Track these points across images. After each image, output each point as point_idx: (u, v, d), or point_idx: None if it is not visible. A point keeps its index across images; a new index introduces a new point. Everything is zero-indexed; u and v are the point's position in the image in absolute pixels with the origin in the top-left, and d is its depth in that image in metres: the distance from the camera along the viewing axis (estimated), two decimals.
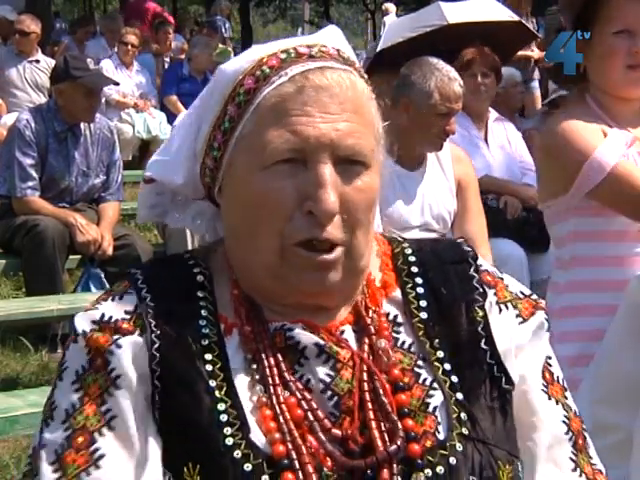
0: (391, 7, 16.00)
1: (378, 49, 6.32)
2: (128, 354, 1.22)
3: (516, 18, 6.73)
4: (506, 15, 6.71)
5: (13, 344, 5.36)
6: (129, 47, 9.71)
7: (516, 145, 5.46)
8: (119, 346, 1.22)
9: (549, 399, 1.34)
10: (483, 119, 5.33)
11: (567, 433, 1.34)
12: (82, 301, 4.82)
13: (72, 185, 5.52)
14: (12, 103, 8.71)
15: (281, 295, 1.26)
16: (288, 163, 1.21)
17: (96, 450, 1.18)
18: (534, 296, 1.39)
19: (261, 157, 1.21)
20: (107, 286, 5.28)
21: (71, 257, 5.48)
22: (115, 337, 1.22)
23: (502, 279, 1.38)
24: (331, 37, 1.30)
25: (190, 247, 5.60)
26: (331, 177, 1.20)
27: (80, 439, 1.19)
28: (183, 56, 10.70)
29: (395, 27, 6.88)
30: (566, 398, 1.37)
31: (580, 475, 1.33)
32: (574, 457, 1.33)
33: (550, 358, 1.37)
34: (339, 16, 39.86)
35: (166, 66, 11.11)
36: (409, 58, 4.01)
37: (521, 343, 1.34)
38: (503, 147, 5.39)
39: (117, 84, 7.02)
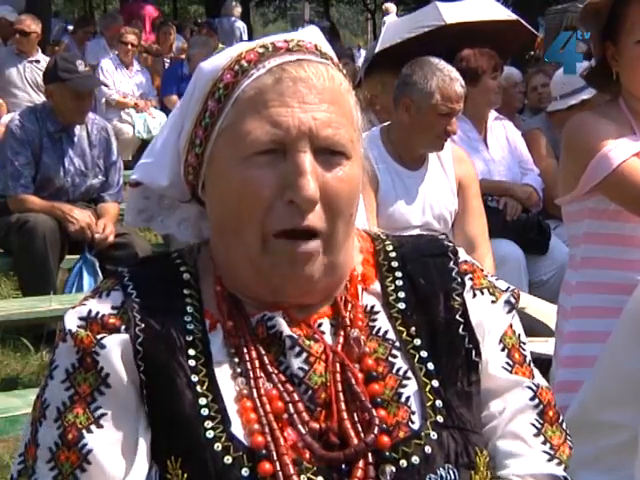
0: (391, 7, 15.99)
1: (376, 50, 6.32)
2: (115, 352, 1.23)
3: (514, 17, 6.72)
4: (504, 14, 6.71)
5: (13, 344, 5.36)
6: (129, 47, 9.70)
7: (515, 144, 5.46)
8: (103, 346, 1.23)
9: (510, 374, 1.33)
10: (483, 121, 5.33)
11: (533, 399, 1.32)
12: None
13: (68, 185, 5.52)
14: (12, 103, 8.70)
15: (263, 292, 1.28)
16: (268, 154, 1.23)
17: (84, 446, 1.20)
18: (511, 287, 1.39)
19: (241, 148, 1.23)
20: (100, 275, 5.29)
21: (68, 257, 5.47)
22: (99, 336, 1.24)
23: (481, 269, 1.40)
24: (310, 35, 1.33)
25: None
26: (311, 165, 1.22)
27: (70, 436, 1.21)
28: (183, 56, 10.69)
29: (393, 28, 6.87)
30: (534, 376, 1.35)
31: (544, 443, 1.30)
32: (538, 425, 1.31)
33: (524, 343, 1.37)
34: (339, 16, 39.87)
35: (166, 66, 11.11)
36: (407, 59, 4.01)
37: (489, 323, 1.34)
38: (503, 148, 5.39)
39: (106, 85, 7.00)
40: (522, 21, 6.70)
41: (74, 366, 1.24)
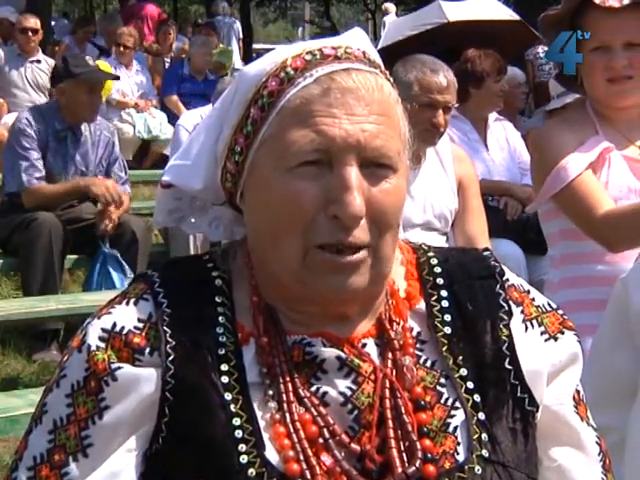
0: (391, 7, 16.02)
1: (379, 47, 6.33)
2: (125, 388, 1.18)
3: (516, 17, 6.72)
4: (506, 14, 6.71)
5: (13, 344, 5.36)
6: (124, 49, 9.68)
7: (515, 145, 5.47)
8: (115, 378, 1.18)
9: (581, 421, 1.32)
10: (483, 123, 5.34)
11: (599, 454, 1.33)
12: (82, 301, 4.83)
13: None
14: (13, 103, 8.71)
15: (304, 301, 1.22)
16: (313, 165, 1.17)
17: (66, 474, 1.18)
18: (560, 311, 1.35)
19: (285, 158, 1.18)
20: (126, 267, 5.31)
21: (69, 256, 5.48)
22: (114, 366, 1.19)
23: (528, 293, 1.34)
24: (356, 39, 1.27)
25: (192, 249, 5.61)
26: (357, 180, 1.17)
27: (57, 457, 1.19)
28: (184, 56, 10.70)
29: (396, 26, 6.88)
30: (589, 418, 1.35)
31: None
32: (605, 478, 1.33)
33: (578, 384, 1.35)
34: (339, 16, 39.87)
35: (167, 66, 11.11)
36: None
37: (556, 365, 1.30)
38: (503, 149, 5.40)
39: (118, 78, 7.09)
40: (524, 22, 6.70)
41: (79, 384, 1.20)
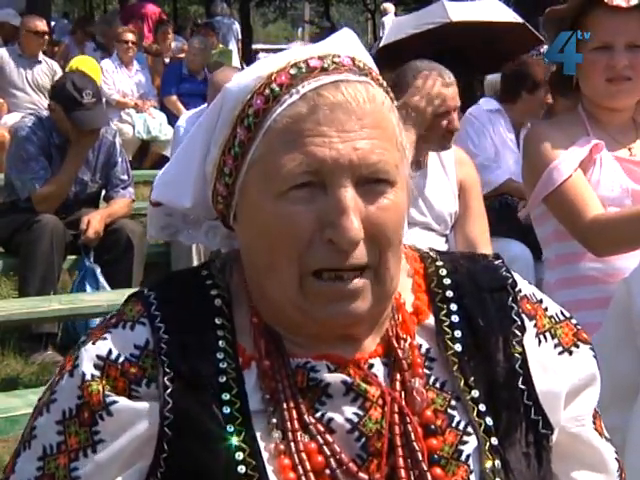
0: (390, 7, 16.02)
1: (381, 44, 6.34)
2: (121, 424, 1.14)
3: (520, 20, 6.73)
4: (510, 16, 6.72)
5: (13, 344, 5.35)
6: (128, 45, 9.67)
7: None
8: (110, 413, 1.14)
9: (600, 437, 1.29)
10: (522, 126, 5.43)
11: (618, 470, 1.31)
12: (82, 301, 4.82)
13: (70, 195, 5.50)
14: (12, 103, 8.70)
15: (305, 326, 1.17)
16: (305, 187, 1.12)
17: None
18: (574, 320, 1.32)
19: (275, 183, 1.12)
20: (102, 282, 5.27)
21: (68, 257, 5.47)
22: (109, 400, 1.15)
23: (541, 302, 1.30)
24: (344, 43, 1.20)
25: (194, 250, 5.57)
26: (352, 201, 1.11)
27: None
28: (183, 56, 10.69)
29: (399, 24, 6.90)
30: (604, 430, 1.32)
31: None
32: None
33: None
34: (339, 16, 39.84)
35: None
36: (411, 55, 4.01)
37: (575, 385, 1.26)
38: None
39: (108, 124, 6.69)
40: (528, 25, 6.71)
41: (71, 412, 1.16)
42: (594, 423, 1.29)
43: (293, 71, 1.15)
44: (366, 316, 1.16)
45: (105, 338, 1.19)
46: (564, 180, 2.52)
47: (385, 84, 1.21)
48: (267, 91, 1.15)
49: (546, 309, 1.30)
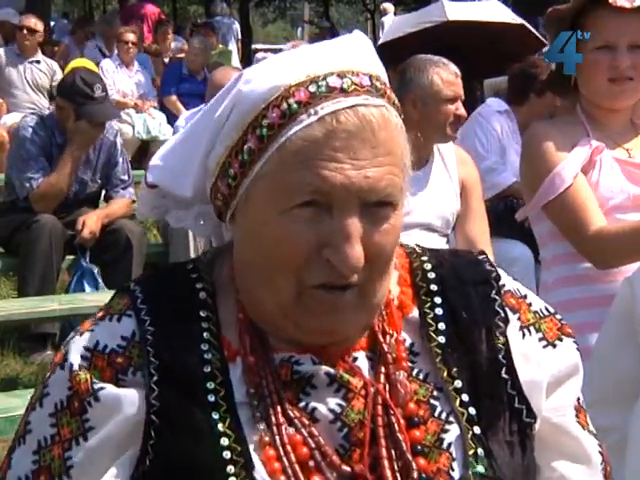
0: (389, 7, 16.03)
1: (380, 42, 6.36)
2: (109, 409, 1.16)
3: (519, 21, 6.74)
4: (509, 17, 6.73)
5: (13, 344, 5.36)
6: (129, 45, 9.69)
7: None
8: (97, 399, 1.17)
9: (583, 429, 1.30)
10: (525, 128, 5.43)
11: (601, 463, 1.31)
12: (82, 301, 4.82)
13: (70, 194, 5.50)
14: (12, 103, 8.71)
15: (290, 331, 1.19)
16: (310, 207, 1.13)
17: None
18: (558, 315, 1.32)
19: (282, 199, 1.13)
20: (100, 283, 5.27)
21: (67, 257, 5.47)
22: (97, 387, 1.17)
23: (525, 298, 1.31)
24: (361, 56, 1.20)
25: (192, 248, 5.58)
26: (357, 229, 1.13)
27: (42, 478, 1.18)
28: (183, 56, 10.70)
29: (399, 22, 6.94)
30: (589, 424, 1.32)
31: None
32: None
33: (579, 397, 1.32)
34: (339, 16, 39.88)
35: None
36: (409, 54, 4.02)
37: (556, 376, 1.27)
38: None
39: (119, 117, 6.73)
40: (528, 26, 6.71)
41: (62, 403, 1.18)
42: (577, 416, 1.30)
43: (312, 89, 1.14)
44: (352, 325, 1.19)
45: (92, 330, 1.21)
46: (565, 189, 2.52)
47: (397, 101, 1.22)
48: (284, 105, 1.14)
49: (530, 304, 1.30)
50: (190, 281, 1.24)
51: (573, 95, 2.69)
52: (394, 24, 6.99)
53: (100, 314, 1.24)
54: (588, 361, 2.20)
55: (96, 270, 5.32)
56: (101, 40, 11.17)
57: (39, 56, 9.07)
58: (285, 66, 1.17)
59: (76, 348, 1.20)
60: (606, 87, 2.56)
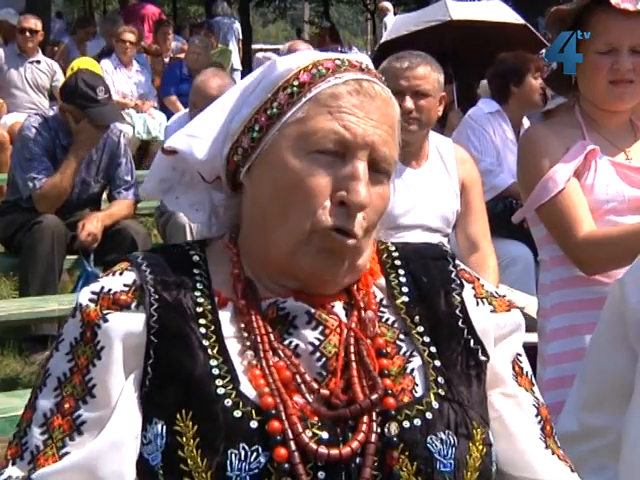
0: (388, 6, 16.00)
1: (382, 40, 6.37)
2: (116, 327, 1.30)
3: (521, 21, 6.74)
4: (512, 17, 6.74)
5: (13, 344, 5.36)
6: (127, 45, 9.68)
7: None
8: (106, 320, 1.31)
9: (519, 386, 1.43)
10: (520, 123, 5.42)
11: (537, 416, 1.42)
12: None
13: (74, 195, 5.49)
14: (12, 103, 8.71)
15: (286, 276, 1.35)
16: (329, 155, 1.31)
17: (78, 417, 1.28)
18: (507, 297, 1.49)
19: (307, 143, 1.31)
20: None
21: (68, 257, 5.47)
22: (105, 312, 1.31)
23: (478, 279, 1.48)
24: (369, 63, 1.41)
25: None
26: (367, 175, 1.31)
27: (67, 405, 1.29)
28: (183, 56, 10.69)
29: (401, 21, 6.96)
30: (533, 391, 1.45)
31: (552, 454, 1.41)
32: (543, 439, 1.41)
33: (520, 355, 1.46)
34: (339, 16, 39.89)
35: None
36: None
37: (500, 330, 1.43)
38: None
39: (123, 119, 6.67)
40: (530, 27, 6.71)
41: (76, 339, 1.32)
42: (515, 377, 1.43)
43: (338, 62, 1.36)
44: (340, 278, 1.35)
45: (98, 281, 1.38)
46: (557, 193, 2.54)
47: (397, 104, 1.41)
48: (314, 70, 1.35)
49: (483, 285, 1.48)
50: (184, 250, 1.42)
51: (573, 94, 2.70)
52: (396, 23, 7.00)
53: (104, 275, 1.40)
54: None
55: (101, 274, 5.29)
56: (102, 40, 11.16)
57: (39, 56, 9.07)
58: (314, 52, 1.41)
59: (84, 295, 1.35)
60: (607, 89, 2.57)
